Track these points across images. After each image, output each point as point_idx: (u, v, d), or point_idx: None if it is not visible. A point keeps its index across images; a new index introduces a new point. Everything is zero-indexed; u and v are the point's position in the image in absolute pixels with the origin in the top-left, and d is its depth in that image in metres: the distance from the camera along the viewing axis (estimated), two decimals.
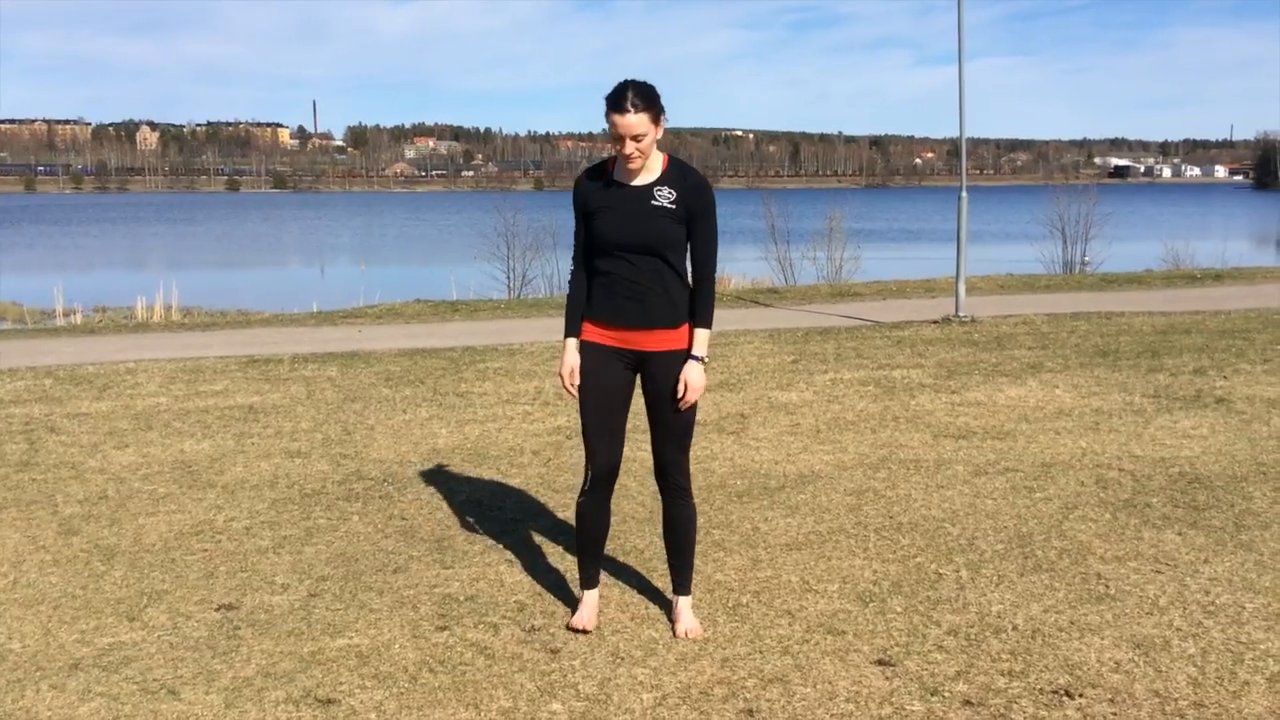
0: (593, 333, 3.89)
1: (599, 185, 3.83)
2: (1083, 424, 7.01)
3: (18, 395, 8.48)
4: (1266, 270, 19.38)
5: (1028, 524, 5.08)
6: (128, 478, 6.14)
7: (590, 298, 3.89)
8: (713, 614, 4.12)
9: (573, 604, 4.19)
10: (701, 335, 3.83)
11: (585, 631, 3.94)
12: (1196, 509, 5.25)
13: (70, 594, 4.43)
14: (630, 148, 3.65)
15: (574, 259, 3.94)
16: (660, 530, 4.15)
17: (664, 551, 4.14)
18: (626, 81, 3.69)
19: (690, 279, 3.87)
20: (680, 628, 3.98)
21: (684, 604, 4.05)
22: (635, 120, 3.62)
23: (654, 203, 3.75)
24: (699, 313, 3.85)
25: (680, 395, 3.80)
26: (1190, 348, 9.80)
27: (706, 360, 3.87)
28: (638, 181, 3.77)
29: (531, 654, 3.81)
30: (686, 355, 3.83)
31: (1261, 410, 7.26)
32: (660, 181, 3.77)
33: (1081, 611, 4.07)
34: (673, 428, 3.88)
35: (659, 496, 4.06)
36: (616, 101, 3.64)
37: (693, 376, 3.80)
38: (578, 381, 3.88)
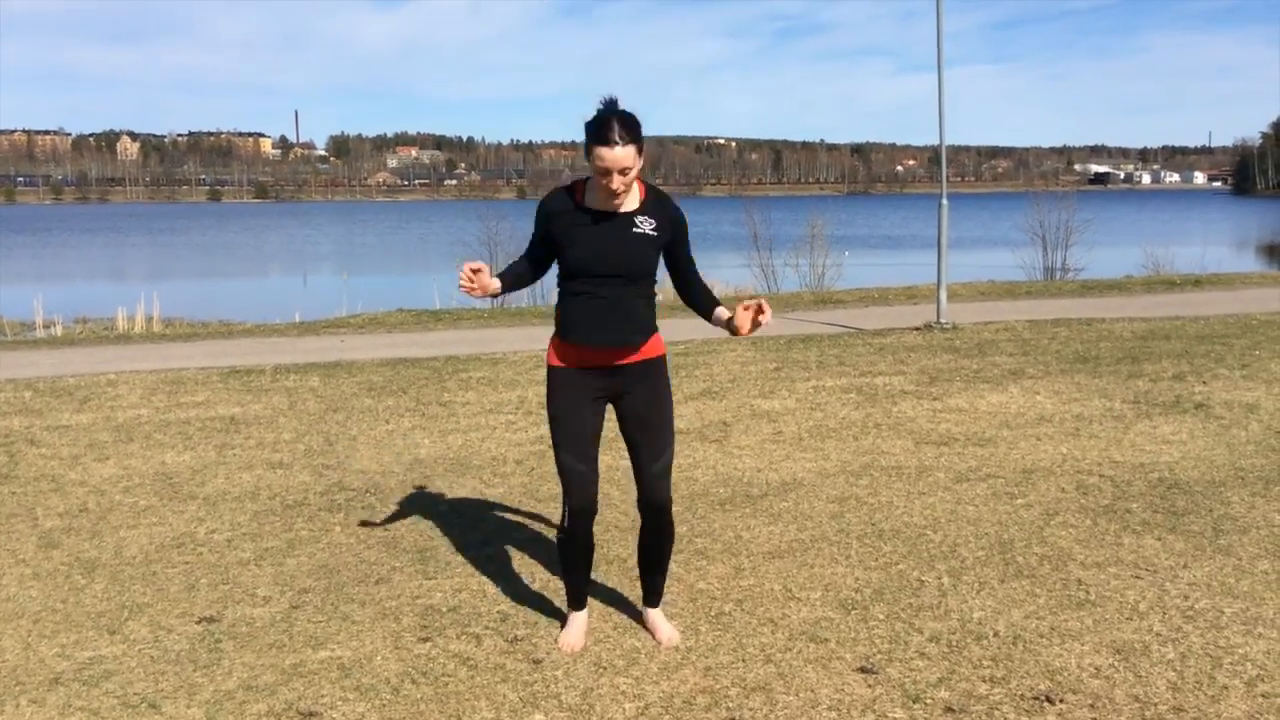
0: (569, 356, 3.81)
1: (571, 211, 3.72)
2: (1063, 430, 7.05)
3: None
4: (1245, 276, 19.52)
5: (1009, 530, 5.11)
6: (108, 490, 6.11)
7: (565, 318, 3.79)
8: (695, 623, 4.13)
9: (556, 614, 4.19)
10: (721, 308, 3.86)
11: (574, 652, 3.93)
12: (1176, 514, 5.29)
13: (51, 607, 4.41)
14: (617, 182, 3.56)
15: (513, 262, 3.93)
16: (638, 556, 4.10)
17: None
18: (610, 111, 3.57)
19: (689, 288, 3.92)
20: (663, 636, 3.98)
21: (658, 614, 4.07)
22: (623, 154, 3.51)
23: (635, 230, 3.68)
24: (712, 299, 3.90)
25: (758, 311, 3.67)
26: (1170, 353, 9.87)
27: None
28: (613, 208, 3.68)
29: (514, 664, 3.81)
30: (658, 364, 3.86)
31: (1240, 415, 7.32)
32: (641, 210, 3.71)
33: (1062, 617, 4.09)
34: (655, 443, 3.82)
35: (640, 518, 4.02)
36: (602, 134, 3.51)
37: (742, 315, 3.71)
38: (470, 270, 3.69)
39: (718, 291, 19.70)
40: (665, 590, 4.17)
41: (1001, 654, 3.80)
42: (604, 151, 3.52)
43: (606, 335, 3.74)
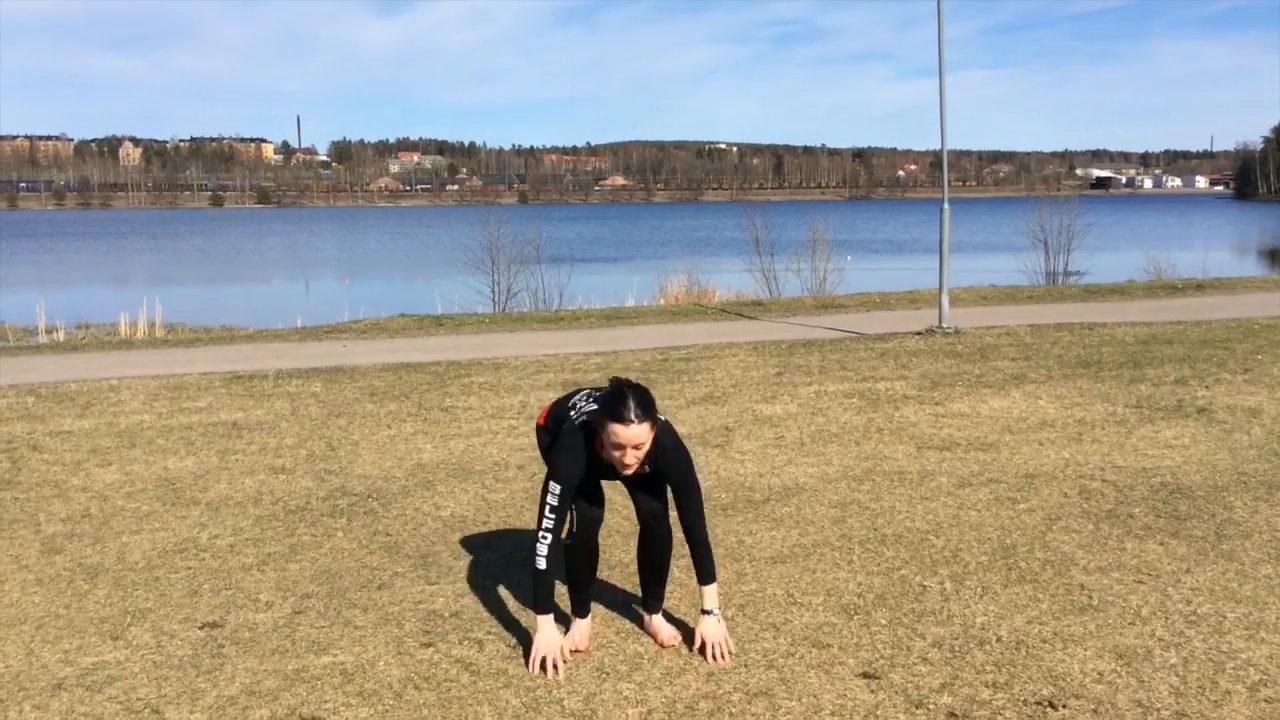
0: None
1: (589, 464, 3.83)
2: (1066, 435, 7.05)
3: (0, 413, 8.44)
4: (1247, 280, 19.52)
5: (1011, 535, 5.11)
6: (111, 496, 6.12)
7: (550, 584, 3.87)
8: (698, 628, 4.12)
9: (559, 620, 4.19)
10: (710, 590, 3.87)
11: (576, 651, 3.94)
12: (1178, 519, 5.28)
13: (53, 613, 4.41)
14: (631, 456, 3.67)
15: (550, 529, 3.77)
16: (638, 565, 4.17)
17: None
18: (624, 389, 3.68)
19: (687, 539, 3.89)
20: (665, 638, 3.99)
21: (660, 619, 4.10)
22: (638, 431, 3.63)
23: (643, 473, 3.85)
24: (702, 571, 3.87)
25: (712, 655, 3.79)
26: (1172, 358, 9.86)
27: (718, 613, 3.90)
28: (626, 474, 3.82)
29: (517, 669, 3.81)
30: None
31: (1242, 420, 7.31)
32: (642, 463, 3.80)
33: (1065, 622, 4.09)
34: (646, 480, 3.96)
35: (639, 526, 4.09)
36: (618, 413, 3.63)
37: (710, 631, 3.83)
38: (561, 661, 3.78)
39: (719, 298, 19.72)
40: (667, 595, 4.17)
41: (1004, 659, 3.79)
42: (619, 429, 3.64)
43: None
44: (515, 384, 9.37)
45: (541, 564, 3.74)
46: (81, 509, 5.87)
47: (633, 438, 3.64)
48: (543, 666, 3.76)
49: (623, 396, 3.65)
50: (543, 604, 3.82)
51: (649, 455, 3.79)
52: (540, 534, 3.76)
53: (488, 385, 9.34)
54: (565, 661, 3.82)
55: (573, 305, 19.52)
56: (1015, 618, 4.14)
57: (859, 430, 7.34)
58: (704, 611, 3.86)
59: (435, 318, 15.59)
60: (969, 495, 5.77)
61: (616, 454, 3.69)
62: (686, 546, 3.93)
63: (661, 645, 3.98)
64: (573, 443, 3.81)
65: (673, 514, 4.00)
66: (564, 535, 3.94)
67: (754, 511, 5.58)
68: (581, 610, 4.07)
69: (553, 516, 3.76)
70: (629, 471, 3.75)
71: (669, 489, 3.95)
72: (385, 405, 8.52)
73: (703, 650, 3.84)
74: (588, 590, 4.08)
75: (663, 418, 3.84)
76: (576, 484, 3.83)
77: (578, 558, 3.99)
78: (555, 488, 3.76)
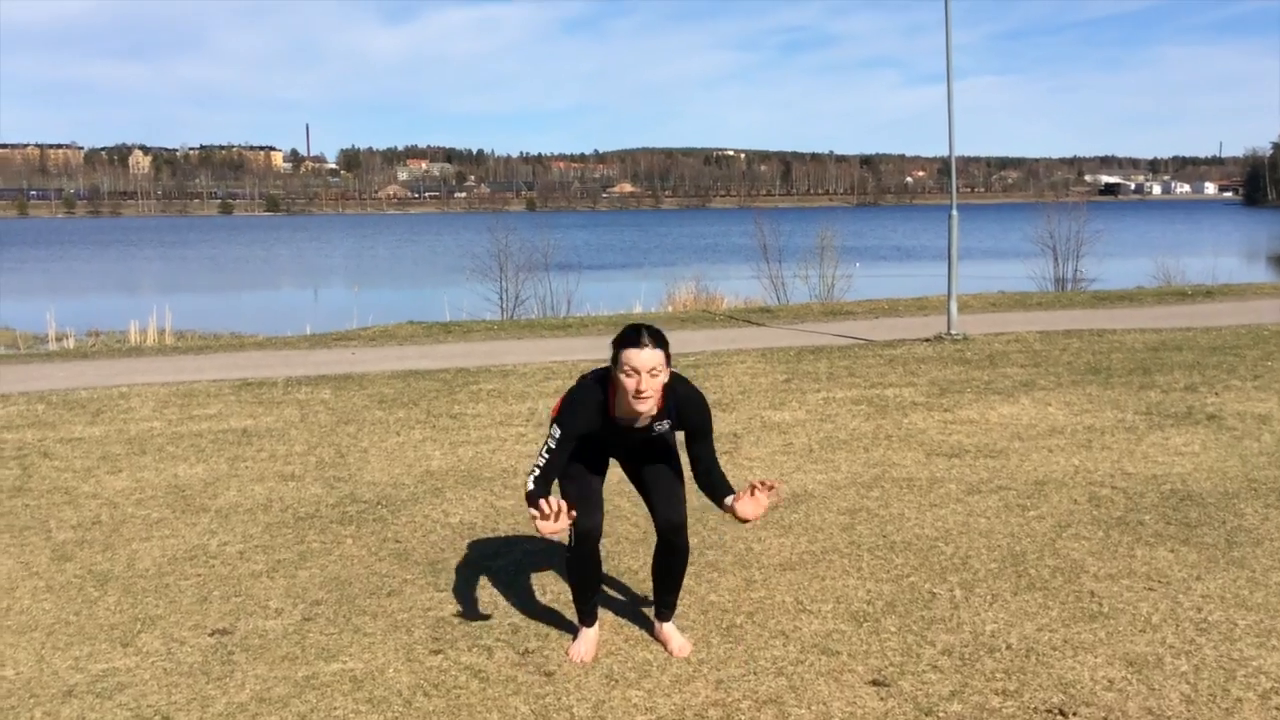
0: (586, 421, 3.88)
1: (600, 425, 3.81)
2: (1075, 441, 7.03)
3: (11, 420, 8.47)
4: (1257, 286, 19.46)
5: (1021, 542, 5.10)
6: (121, 503, 6.14)
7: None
8: (707, 635, 4.13)
9: (567, 627, 4.19)
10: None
11: (585, 664, 3.94)
12: (1189, 526, 5.27)
13: (64, 620, 4.42)
14: (646, 383, 3.62)
15: (540, 468, 3.74)
16: (653, 573, 4.13)
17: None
18: (637, 325, 3.71)
19: (705, 477, 3.87)
20: (675, 648, 3.99)
21: (671, 627, 4.09)
22: (651, 356, 3.61)
23: (654, 434, 3.86)
24: (726, 488, 3.84)
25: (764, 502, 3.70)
26: (1182, 364, 9.84)
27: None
28: (638, 421, 3.80)
29: (526, 677, 3.81)
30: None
31: (1253, 426, 7.29)
32: (658, 416, 3.80)
33: (1075, 630, 4.08)
34: (669, 481, 3.98)
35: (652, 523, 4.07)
36: (632, 339, 3.63)
37: (754, 509, 3.72)
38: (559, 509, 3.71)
39: (727, 305, 19.73)
40: (678, 602, 4.16)
41: (1014, 667, 3.79)
42: (632, 353, 3.62)
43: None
44: (524, 391, 9.38)
45: (530, 485, 3.73)
46: (92, 516, 5.89)
47: (646, 361, 3.59)
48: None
49: (634, 328, 3.67)
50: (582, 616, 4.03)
51: (666, 407, 3.76)
52: (530, 469, 3.77)
53: (496, 392, 9.35)
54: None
55: (581, 312, 19.54)
56: (1025, 625, 4.14)
57: (868, 437, 7.33)
58: (734, 504, 3.76)
59: (444, 325, 15.61)
60: (978, 502, 5.76)
61: (631, 383, 3.61)
62: (704, 494, 3.90)
63: (671, 654, 3.98)
64: (585, 395, 3.79)
65: (690, 515, 4.01)
66: (565, 547, 3.95)
67: (762, 518, 5.57)
68: (588, 619, 4.06)
69: (545, 458, 3.74)
70: (645, 405, 3.65)
71: (690, 459, 3.90)
72: (394, 412, 8.54)
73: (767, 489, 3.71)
74: (593, 598, 4.06)
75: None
76: (579, 436, 3.77)
77: (579, 568, 3.96)
78: (556, 431, 3.75)
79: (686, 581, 4.48)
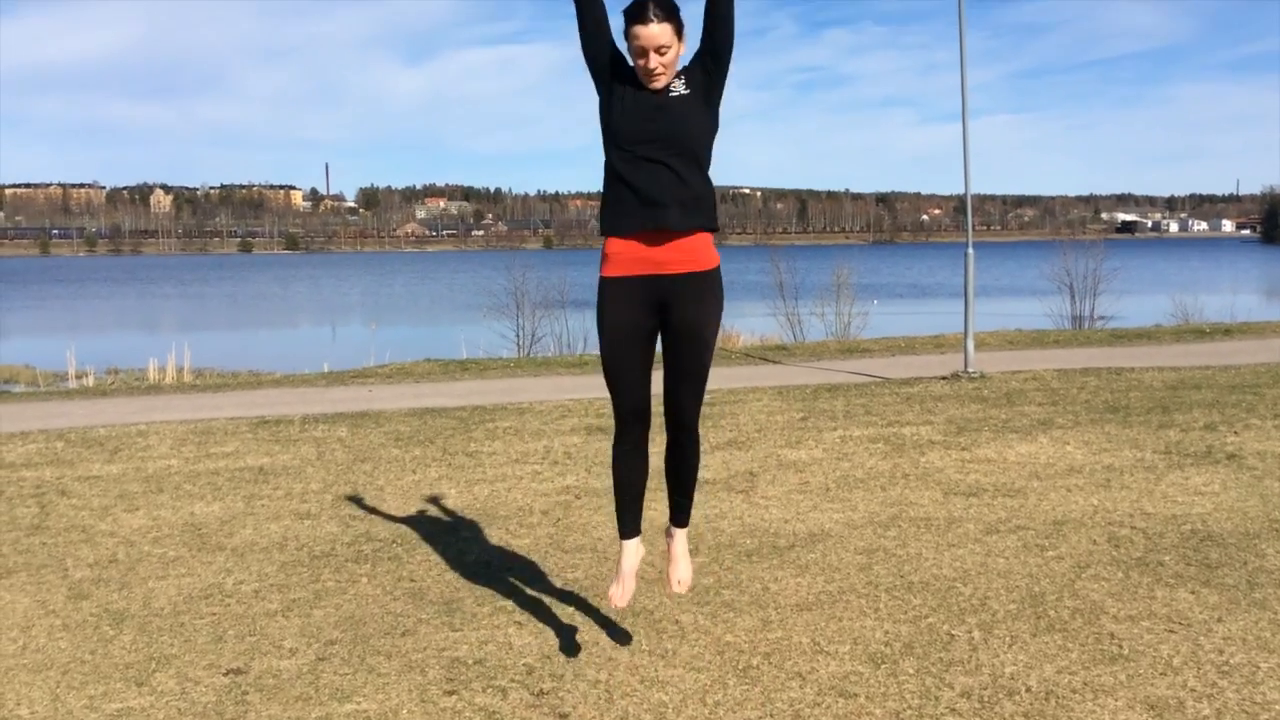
0: (617, 260, 3.76)
1: (627, 72, 3.67)
2: (1094, 481, 6.99)
3: (29, 458, 8.52)
4: (1276, 325, 19.34)
5: (1040, 583, 5.05)
6: (138, 541, 6.15)
7: (607, 206, 3.74)
8: (723, 676, 4.09)
9: (583, 668, 4.17)
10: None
11: (618, 608, 3.88)
12: (1209, 567, 5.22)
13: (79, 659, 4.42)
14: (654, 61, 3.50)
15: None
16: (664, 473, 4.11)
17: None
18: None
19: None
20: (675, 576, 4.03)
21: (680, 537, 4.05)
22: (658, 30, 3.48)
23: (671, 94, 3.63)
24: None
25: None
26: (1201, 403, 9.78)
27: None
28: (655, 86, 3.63)
29: (540, 718, 3.78)
30: (710, 277, 3.76)
31: (1273, 466, 7.23)
32: (675, 78, 3.64)
33: (1095, 672, 4.03)
34: (688, 371, 3.82)
35: (665, 434, 4.01)
36: (637, 12, 3.49)
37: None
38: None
39: (743, 343, 19.71)
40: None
41: (1034, 710, 3.74)
42: (640, 30, 3.49)
43: (647, 214, 3.64)
44: (540, 429, 9.38)
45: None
46: (109, 554, 5.90)
47: (654, 38, 3.47)
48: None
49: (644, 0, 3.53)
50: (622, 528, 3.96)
51: (683, 75, 3.64)
52: None
53: (512, 430, 9.35)
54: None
55: (597, 350, 19.54)
56: (1045, 667, 4.09)
57: (884, 476, 7.30)
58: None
59: (460, 362, 15.65)
60: (996, 542, 5.72)
61: (640, 63, 3.52)
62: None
63: (669, 584, 4.04)
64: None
65: (700, 559, 4.00)
66: (613, 441, 3.92)
67: (779, 558, 5.54)
68: (628, 530, 3.97)
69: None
70: (658, 82, 3.55)
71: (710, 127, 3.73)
72: (410, 450, 8.55)
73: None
74: (634, 510, 3.98)
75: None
76: (616, 62, 3.68)
77: (619, 470, 3.86)
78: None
79: (702, 621, 4.47)
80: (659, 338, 3.89)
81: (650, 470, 4.01)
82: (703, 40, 3.70)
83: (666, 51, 3.50)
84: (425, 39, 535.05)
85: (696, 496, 4.31)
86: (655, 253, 3.71)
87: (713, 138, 3.77)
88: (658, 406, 3.94)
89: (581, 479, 7.43)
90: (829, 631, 4.52)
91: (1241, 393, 10.31)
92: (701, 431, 4.05)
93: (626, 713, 3.81)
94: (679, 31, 3.54)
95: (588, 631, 4.57)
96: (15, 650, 4.52)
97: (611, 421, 3.94)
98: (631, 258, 3.74)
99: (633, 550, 4.02)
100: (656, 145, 3.60)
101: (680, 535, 4.13)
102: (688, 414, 3.89)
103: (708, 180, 3.76)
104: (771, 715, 3.76)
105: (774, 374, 13.25)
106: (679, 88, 3.65)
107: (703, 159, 3.73)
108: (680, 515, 4.13)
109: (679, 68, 3.69)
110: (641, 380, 3.83)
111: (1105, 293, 24.68)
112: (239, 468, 8.03)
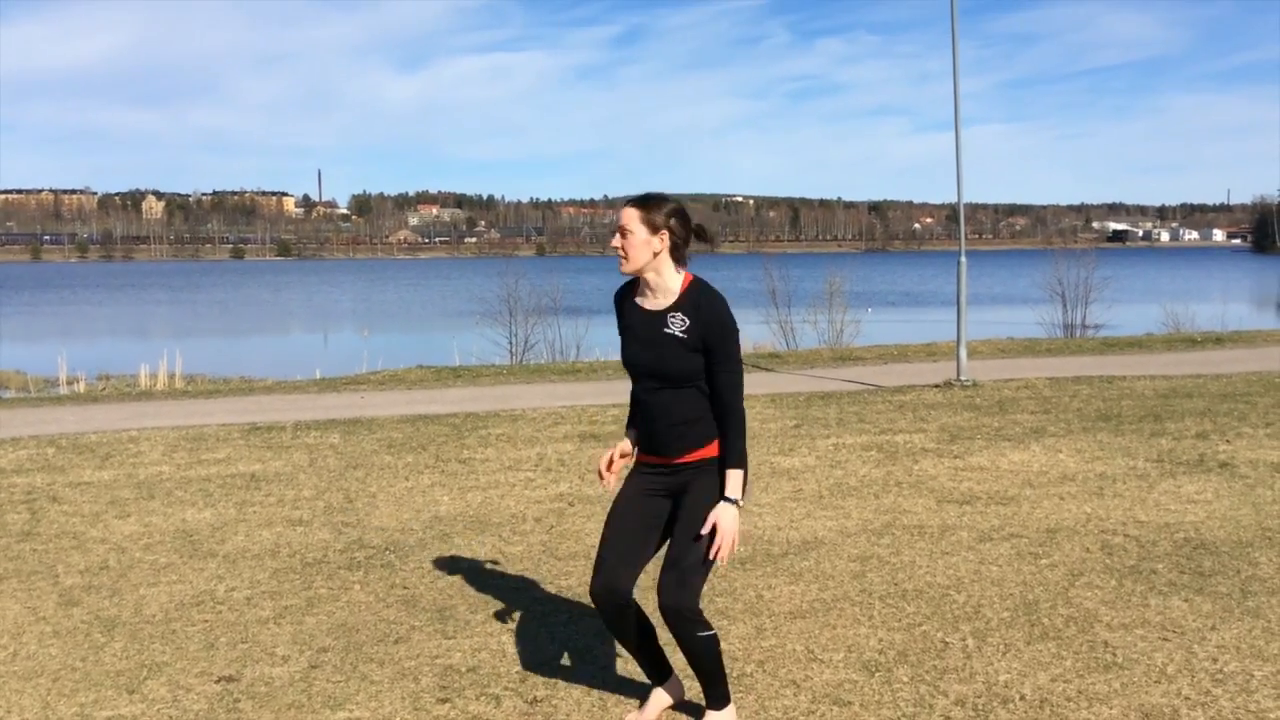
0: (640, 457, 3.74)
1: (625, 301, 3.71)
2: (1087, 489, 6.99)
3: (20, 464, 8.48)
4: (1267, 333, 19.41)
5: (1034, 591, 5.05)
6: (129, 547, 6.12)
7: (630, 420, 3.77)
8: None
9: (575, 675, 4.17)
10: (734, 476, 3.48)
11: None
12: (1202, 575, 5.22)
13: (70, 666, 4.40)
14: (616, 239, 3.58)
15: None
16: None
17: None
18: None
19: (716, 409, 3.54)
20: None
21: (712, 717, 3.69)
22: (626, 213, 3.57)
23: (666, 330, 3.51)
24: (728, 452, 3.51)
25: (712, 543, 3.43)
26: (1192, 411, 9.80)
27: (741, 503, 3.51)
28: (652, 306, 3.57)
29: None
30: (719, 487, 3.50)
31: (1265, 474, 7.25)
32: (674, 307, 3.53)
33: (1089, 680, 4.03)
34: (679, 553, 3.49)
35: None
36: (628, 199, 3.64)
37: (724, 520, 3.44)
38: (611, 468, 3.73)
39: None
40: (712, 691, 3.70)
41: (1028, 718, 3.74)
42: (620, 209, 3.62)
43: (650, 442, 3.65)
44: (533, 436, 9.37)
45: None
46: (100, 561, 5.87)
47: (621, 216, 3.57)
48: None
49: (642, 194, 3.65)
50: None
51: (686, 310, 3.51)
52: None
53: (505, 437, 9.34)
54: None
55: (590, 357, 19.56)
56: (1038, 675, 4.09)
57: (878, 483, 7.30)
58: (723, 499, 3.48)
59: (453, 369, 15.63)
60: (990, 550, 5.72)
61: (613, 240, 3.61)
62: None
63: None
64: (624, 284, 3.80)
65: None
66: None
67: (772, 565, 5.54)
68: (650, 675, 3.79)
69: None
70: (624, 266, 3.56)
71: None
72: (403, 457, 8.53)
73: (712, 535, 3.44)
74: (645, 657, 3.79)
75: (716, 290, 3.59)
76: (617, 308, 3.76)
77: (615, 631, 3.71)
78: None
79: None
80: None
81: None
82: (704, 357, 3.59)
83: (628, 235, 3.56)
84: (418, 46, 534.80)
85: None
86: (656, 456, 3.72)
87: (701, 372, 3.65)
88: None
89: (574, 486, 7.42)
90: (823, 639, 4.51)
91: (1233, 401, 10.33)
92: None
93: None
94: (651, 225, 3.53)
95: (581, 639, 4.56)
96: (6, 657, 4.50)
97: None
98: (646, 458, 3.76)
99: (654, 699, 3.81)
100: (652, 379, 3.63)
101: (712, 716, 3.69)
102: (664, 596, 3.49)
103: (702, 407, 3.64)
104: None
105: (767, 381, 13.25)
106: (676, 325, 3.53)
107: (697, 391, 3.64)
108: (707, 700, 3.70)
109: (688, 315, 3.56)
110: (626, 561, 3.62)
111: (1097, 301, 24.76)
112: (231, 474, 8.00)
